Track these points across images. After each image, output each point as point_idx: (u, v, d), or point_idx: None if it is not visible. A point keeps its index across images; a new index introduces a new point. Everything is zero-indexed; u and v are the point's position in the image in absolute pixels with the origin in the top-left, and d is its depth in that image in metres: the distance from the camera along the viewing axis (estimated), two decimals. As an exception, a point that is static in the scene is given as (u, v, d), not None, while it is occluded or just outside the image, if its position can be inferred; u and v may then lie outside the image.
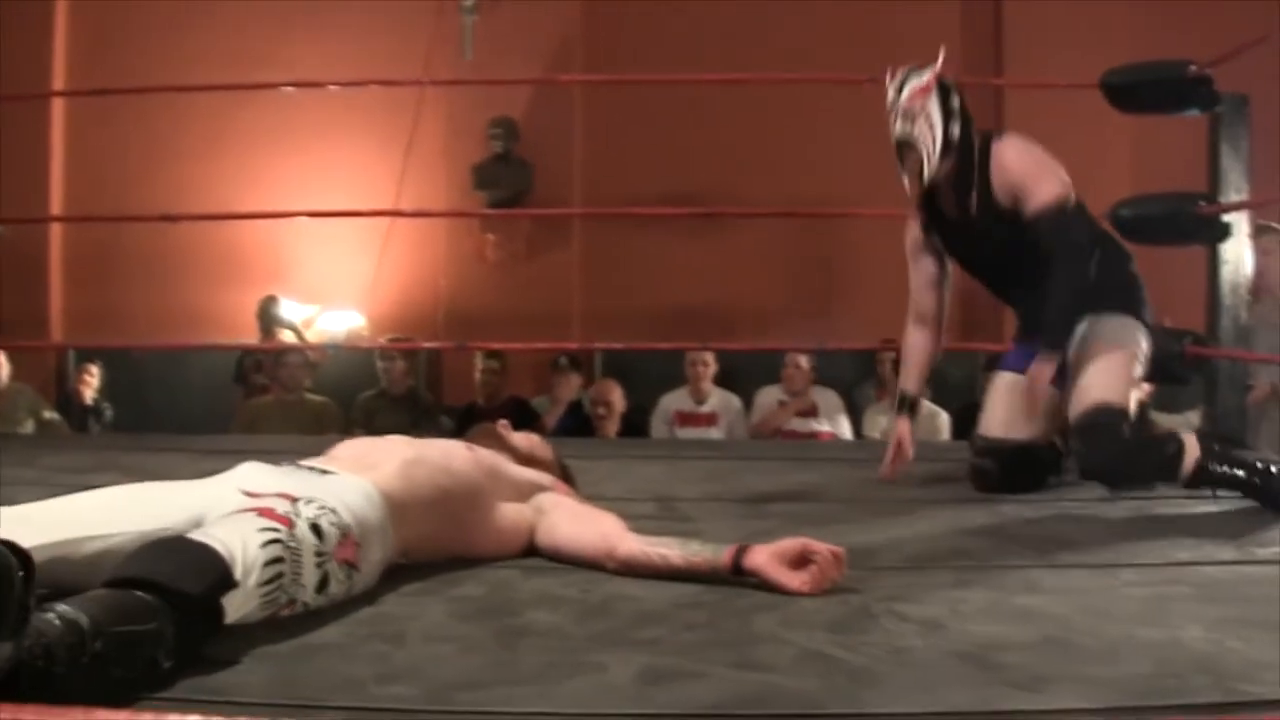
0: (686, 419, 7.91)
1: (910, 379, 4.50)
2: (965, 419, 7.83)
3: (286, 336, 8.88)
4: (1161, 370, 4.57)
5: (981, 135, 4.20)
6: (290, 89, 8.31)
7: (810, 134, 9.07)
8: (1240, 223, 5.16)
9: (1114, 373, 4.05)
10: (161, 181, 9.22)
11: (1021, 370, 4.18)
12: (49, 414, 8.12)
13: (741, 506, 4.02)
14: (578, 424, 7.83)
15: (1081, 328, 4.11)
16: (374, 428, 7.90)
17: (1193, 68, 5.04)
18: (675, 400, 8.00)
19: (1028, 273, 4.18)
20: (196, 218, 8.04)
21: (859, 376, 8.82)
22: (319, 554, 2.38)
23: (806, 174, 8.91)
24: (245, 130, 9.39)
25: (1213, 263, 5.18)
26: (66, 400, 8.84)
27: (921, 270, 4.46)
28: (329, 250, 9.31)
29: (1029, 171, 4.11)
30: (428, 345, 8.96)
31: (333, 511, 2.46)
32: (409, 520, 2.72)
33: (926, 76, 4.12)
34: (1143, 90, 5.00)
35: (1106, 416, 3.97)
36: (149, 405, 8.94)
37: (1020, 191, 4.10)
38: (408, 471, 2.79)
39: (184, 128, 9.27)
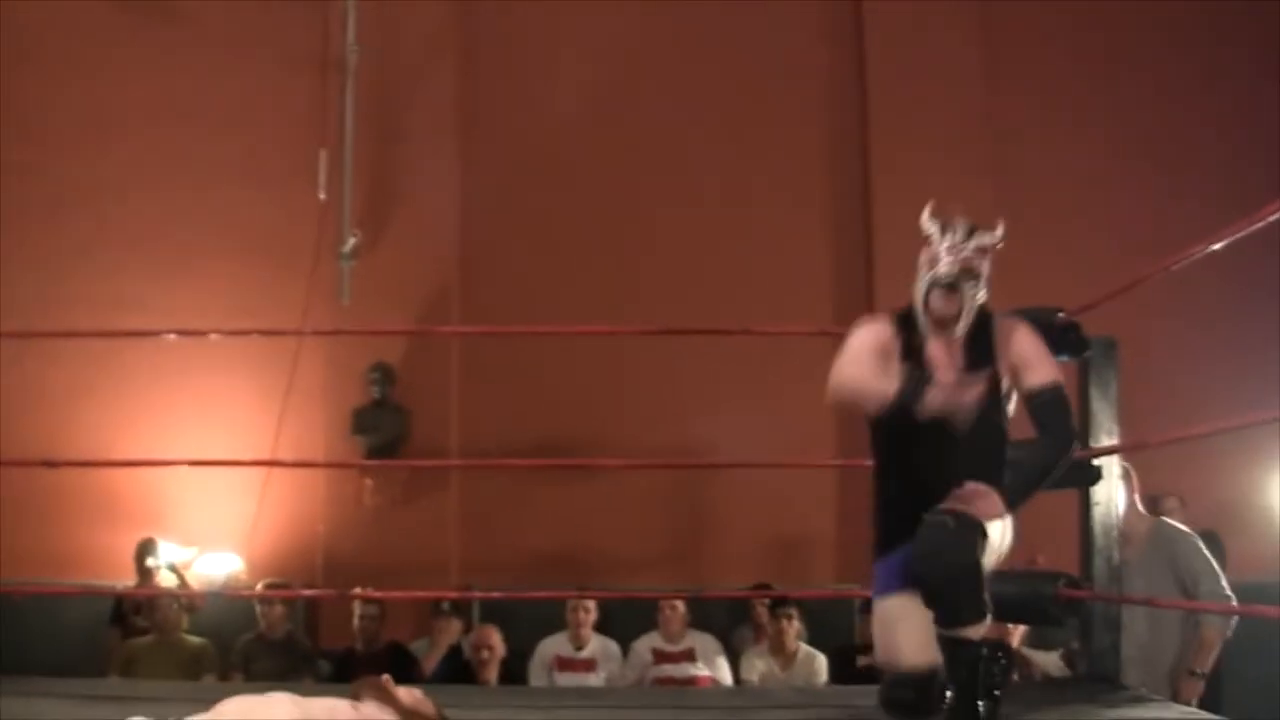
0: (566, 664, 7.99)
1: (879, 386, 4.16)
2: (843, 660, 8.04)
3: (165, 578, 8.84)
4: (1034, 611, 4.75)
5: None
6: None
7: (680, 381, 9.33)
8: (1110, 465, 5.41)
9: (991, 504, 4.03)
10: (40, 423, 9.24)
11: (899, 588, 4.11)
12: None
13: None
14: (457, 669, 7.87)
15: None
16: (251, 672, 7.94)
17: (1061, 315, 5.24)
18: (555, 645, 8.10)
19: (952, 463, 4.08)
20: (75, 464, 8.12)
21: (735, 620, 8.89)
22: None
23: (676, 421, 9.19)
24: (123, 374, 9.47)
25: (1085, 505, 5.41)
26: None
27: (863, 365, 4.25)
28: (208, 493, 9.29)
29: (1038, 350, 4.26)
30: (306, 593, 8.93)
31: None
32: None
33: (996, 237, 4.19)
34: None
35: (967, 522, 3.93)
36: (26, 646, 8.80)
37: (1026, 365, 4.20)
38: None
39: (62, 371, 9.35)
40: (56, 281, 9.54)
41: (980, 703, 4.00)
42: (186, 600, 8.41)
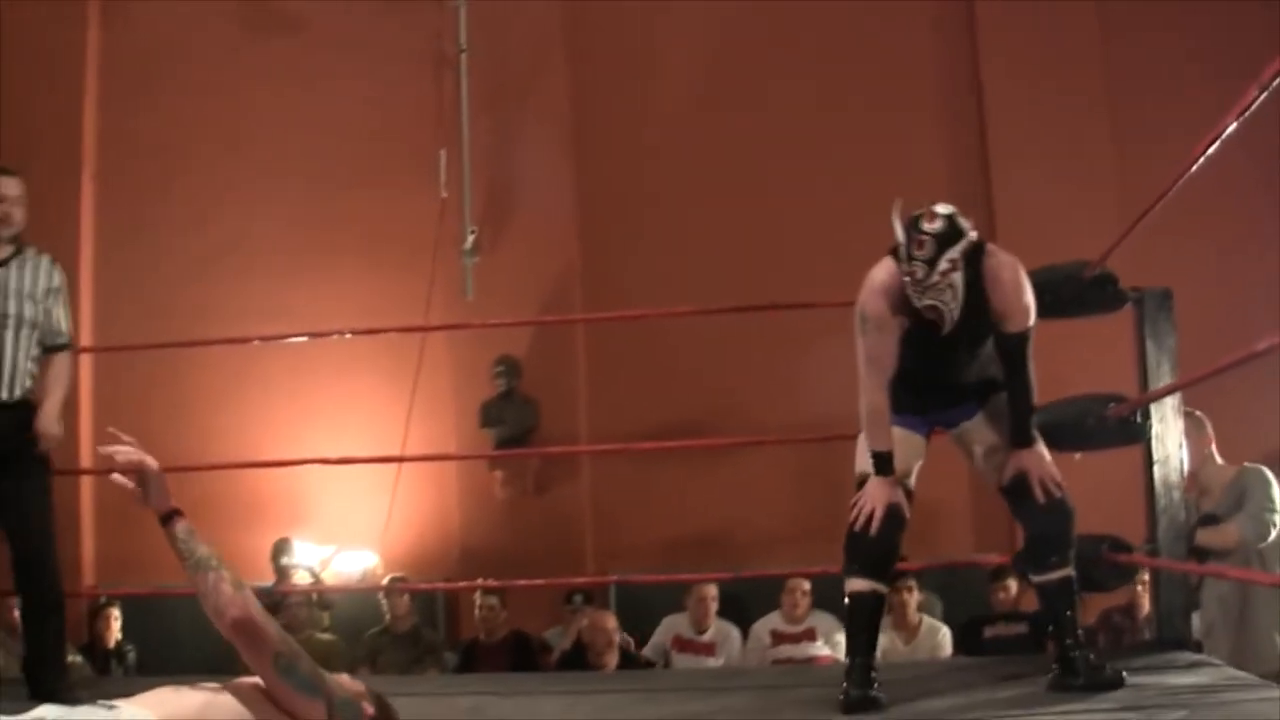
0: (685, 645, 8.02)
1: (886, 439, 4.43)
2: (971, 632, 7.92)
3: (301, 577, 9.04)
4: (1083, 577, 4.66)
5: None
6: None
7: (806, 356, 9.22)
8: (1170, 417, 5.24)
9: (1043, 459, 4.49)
10: (184, 430, 9.50)
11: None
12: (73, 657, 8.26)
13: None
14: (582, 656, 7.90)
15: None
16: (378, 665, 8.08)
17: (1094, 270, 5.16)
18: (676, 625, 8.15)
19: (953, 366, 4.48)
20: (212, 467, 8.31)
21: None
22: None
23: (803, 396, 9.05)
24: (262, 378, 9.73)
25: (1147, 463, 5.25)
26: (91, 644, 9.00)
27: (890, 334, 4.35)
28: (343, 492, 9.50)
29: (1020, 299, 4.31)
30: (423, 586, 9.05)
31: None
32: None
33: (958, 249, 4.14)
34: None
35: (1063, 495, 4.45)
36: (176, 647, 9.08)
37: (1008, 311, 4.31)
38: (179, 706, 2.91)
39: (202, 378, 9.62)
40: (195, 291, 9.83)
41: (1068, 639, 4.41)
42: (319, 598, 8.61)
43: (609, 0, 10.22)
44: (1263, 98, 3.17)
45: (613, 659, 7.68)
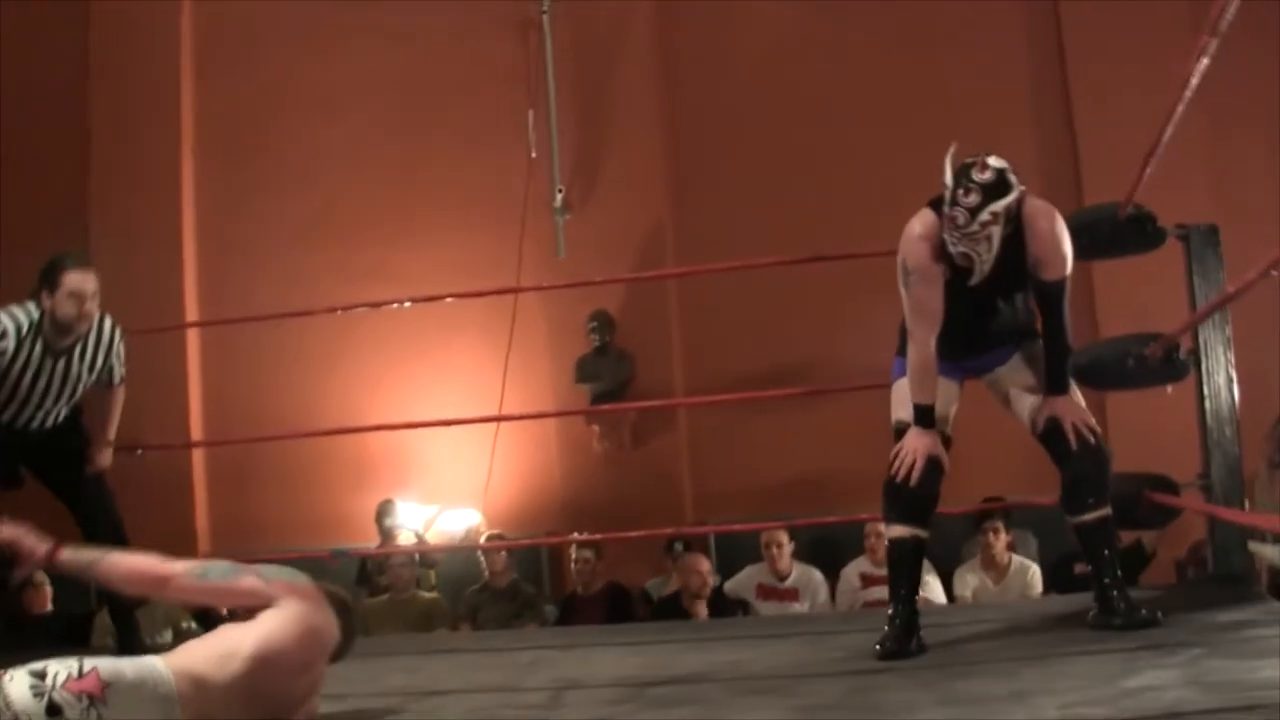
0: (769, 593, 8.06)
1: (932, 392, 4.50)
2: (1062, 569, 7.89)
3: (405, 538, 9.21)
4: (1124, 517, 4.70)
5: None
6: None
7: (895, 301, 9.19)
8: (1220, 351, 5.24)
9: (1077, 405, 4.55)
10: (290, 394, 9.76)
11: None
12: (187, 623, 8.48)
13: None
14: (677, 605, 7.98)
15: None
16: (478, 620, 8.25)
17: (1132, 209, 5.17)
18: (758, 574, 8.20)
19: (989, 314, 4.52)
20: (311, 434, 8.52)
21: (962, 535, 8.74)
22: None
23: (894, 341, 9.03)
24: (359, 343, 9.86)
25: (1200, 401, 5.27)
26: (204, 611, 9.20)
27: (935, 284, 4.43)
28: (446, 453, 9.63)
29: (1058, 248, 4.35)
30: (516, 543, 9.14)
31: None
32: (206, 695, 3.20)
33: (1003, 204, 4.17)
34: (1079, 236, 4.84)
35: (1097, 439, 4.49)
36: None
37: (1046, 259, 4.35)
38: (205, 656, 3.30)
39: (304, 345, 9.75)
40: (294, 257, 10.05)
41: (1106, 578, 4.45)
42: (423, 557, 8.78)
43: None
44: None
45: (703, 606, 7.73)
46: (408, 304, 8.37)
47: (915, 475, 4.43)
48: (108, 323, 5.58)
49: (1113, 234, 5.24)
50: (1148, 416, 7.01)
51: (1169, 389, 5.34)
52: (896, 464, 4.48)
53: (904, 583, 4.52)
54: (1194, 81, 3.76)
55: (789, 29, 10.01)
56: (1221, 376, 5.22)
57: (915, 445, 4.47)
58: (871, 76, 9.87)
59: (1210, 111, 8.97)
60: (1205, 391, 5.23)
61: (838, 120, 9.86)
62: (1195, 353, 5.23)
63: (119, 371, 5.71)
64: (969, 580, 7.95)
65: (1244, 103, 8.99)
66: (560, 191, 9.71)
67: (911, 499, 4.48)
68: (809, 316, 9.58)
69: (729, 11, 10.14)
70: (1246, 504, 7.33)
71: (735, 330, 9.76)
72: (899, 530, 4.54)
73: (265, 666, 3.32)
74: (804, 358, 9.34)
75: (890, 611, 4.47)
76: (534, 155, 9.81)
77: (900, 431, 4.56)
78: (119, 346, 5.66)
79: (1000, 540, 7.88)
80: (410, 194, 10.12)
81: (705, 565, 7.88)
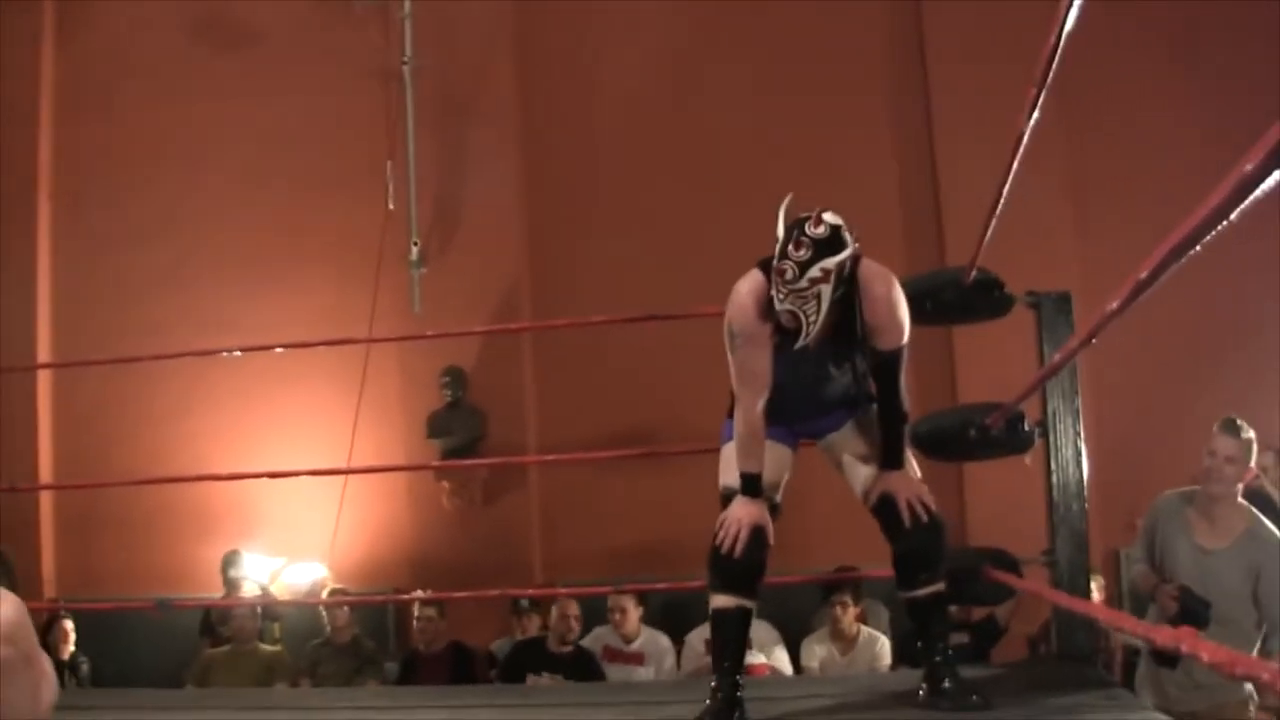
0: (614, 655, 7.96)
1: (759, 460, 4.30)
2: (911, 642, 7.90)
3: (249, 590, 9.11)
4: (963, 592, 4.68)
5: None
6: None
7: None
8: (1067, 423, 5.14)
9: (914, 481, 4.39)
10: (141, 441, 9.69)
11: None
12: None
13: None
14: (519, 665, 7.90)
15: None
16: (318, 676, 8.16)
17: (974, 274, 5.02)
18: (605, 635, 8.12)
19: (821, 378, 4.37)
20: (156, 481, 8.46)
21: (811, 605, 8.66)
22: None
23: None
24: (209, 391, 9.82)
25: (1047, 474, 5.18)
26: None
27: (762, 346, 4.22)
28: (292, 504, 9.55)
29: (894, 315, 4.17)
30: (357, 600, 8.93)
31: None
32: None
33: (835, 261, 3.95)
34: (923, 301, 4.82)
35: (931, 515, 4.33)
36: (130, 659, 9.15)
37: (881, 326, 4.17)
38: None
39: (155, 391, 9.75)
40: (149, 305, 9.98)
41: (936, 656, 4.34)
42: (266, 610, 8.70)
43: (555, 12, 10.24)
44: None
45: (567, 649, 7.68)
46: (256, 352, 8.34)
47: (739, 547, 4.24)
48: None
49: (959, 300, 5.13)
50: (1005, 487, 7.01)
51: (1027, 460, 5.25)
52: (721, 534, 4.29)
53: (727, 654, 4.32)
54: (1025, 137, 3.67)
55: (648, 85, 10.02)
56: (1069, 449, 5.14)
57: (739, 515, 4.27)
58: (732, 130, 9.93)
59: (1074, 178, 9.26)
60: (1052, 465, 5.14)
61: (697, 174, 9.90)
62: (1043, 424, 5.15)
63: None
64: (816, 651, 7.95)
65: (1109, 172, 9.22)
66: (416, 245, 9.68)
67: (736, 569, 4.30)
68: (657, 376, 9.58)
69: (590, 67, 10.18)
70: (1097, 580, 7.45)
71: (589, 389, 9.73)
72: (723, 600, 4.33)
73: None
74: (656, 418, 9.34)
75: (713, 684, 4.29)
76: (391, 207, 9.75)
77: (727, 498, 4.36)
78: None
79: (848, 613, 7.89)
80: (270, 244, 10.07)
81: (574, 610, 7.80)
